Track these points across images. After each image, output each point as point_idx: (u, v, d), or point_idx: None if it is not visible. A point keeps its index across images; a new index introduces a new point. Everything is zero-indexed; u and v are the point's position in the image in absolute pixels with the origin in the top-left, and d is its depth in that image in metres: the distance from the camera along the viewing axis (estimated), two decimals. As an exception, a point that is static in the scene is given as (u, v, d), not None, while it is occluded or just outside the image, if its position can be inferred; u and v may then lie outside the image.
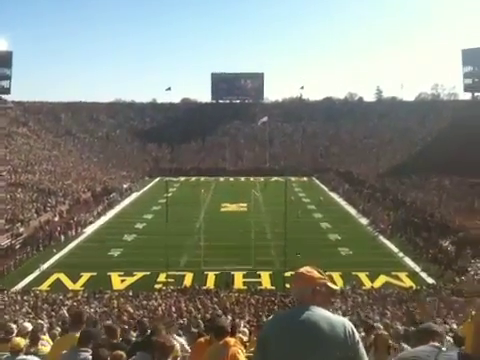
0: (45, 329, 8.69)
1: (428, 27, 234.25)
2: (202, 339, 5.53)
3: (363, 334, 7.27)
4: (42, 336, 7.47)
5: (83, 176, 65.59)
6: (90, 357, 5.15)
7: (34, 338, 6.46)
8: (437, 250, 34.51)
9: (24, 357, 5.15)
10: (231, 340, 5.07)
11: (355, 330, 2.37)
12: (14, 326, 6.47)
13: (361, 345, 2.37)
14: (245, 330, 7.60)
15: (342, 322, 2.40)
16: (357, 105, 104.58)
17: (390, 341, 6.57)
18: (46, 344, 6.67)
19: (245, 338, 8.72)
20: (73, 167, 69.15)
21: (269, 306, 21.36)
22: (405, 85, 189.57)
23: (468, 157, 56.15)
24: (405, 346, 6.34)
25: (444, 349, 2.29)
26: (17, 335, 6.35)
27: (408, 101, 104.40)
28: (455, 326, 10.17)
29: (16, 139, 72.06)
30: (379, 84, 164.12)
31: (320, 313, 2.44)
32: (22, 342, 5.38)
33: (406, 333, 7.47)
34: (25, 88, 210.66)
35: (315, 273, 2.78)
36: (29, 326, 6.97)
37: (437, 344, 2.59)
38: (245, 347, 7.55)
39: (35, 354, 5.64)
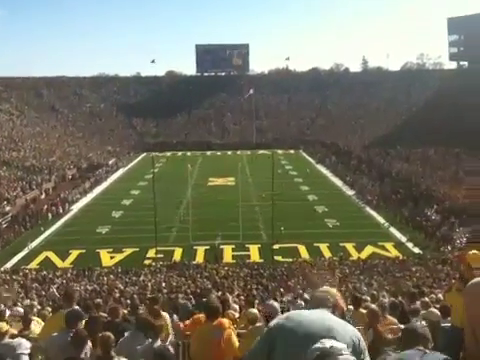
0: (35, 310, 8.69)
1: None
2: (201, 316, 5.54)
3: (351, 307, 7.36)
4: (33, 317, 7.48)
5: (68, 152, 64.97)
6: None
7: (26, 321, 6.46)
8: (422, 219, 34.95)
9: (10, 341, 5.13)
10: (225, 322, 5.10)
11: (362, 339, 2.41)
12: (5, 308, 6.44)
13: (366, 353, 2.42)
14: (235, 306, 7.66)
15: (353, 331, 2.44)
16: (343, 75, 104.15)
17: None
18: (37, 325, 6.68)
19: (236, 314, 8.80)
20: (58, 144, 68.35)
21: (258, 279, 21.55)
22: (391, 55, 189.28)
23: (453, 127, 56.48)
24: (390, 318, 6.43)
25: (428, 352, 2.36)
26: (9, 319, 6.34)
27: (394, 71, 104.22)
28: (441, 296, 10.34)
29: (-2, 116, 70.91)
30: (365, 54, 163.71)
31: (336, 319, 2.46)
32: (4, 326, 5.35)
33: (392, 305, 7.59)
34: (6, 64, 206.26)
35: (340, 299, 2.81)
36: (21, 310, 6.96)
37: (421, 348, 2.67)
38: (235, 323, 7.62)
39: (27, 337, 5.61)
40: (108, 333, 4.83)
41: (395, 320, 6.15)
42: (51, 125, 78.75)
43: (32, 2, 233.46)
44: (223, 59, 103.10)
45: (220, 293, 14.77)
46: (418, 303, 7.40)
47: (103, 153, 70.18)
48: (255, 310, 6.04)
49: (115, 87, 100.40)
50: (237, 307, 7.49)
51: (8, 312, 6.51)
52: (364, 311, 6.78)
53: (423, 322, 5.52)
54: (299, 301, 8.70)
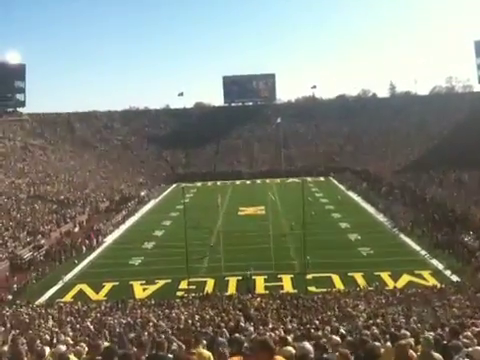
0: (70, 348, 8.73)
1: (440, 19, 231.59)
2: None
3: (389, 345, 7.15)
4: (69, 356, 7.51)
5: (101, 185, 66.13)
6: None
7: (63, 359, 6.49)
8: (459, 246, 33.99)
9: None
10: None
11: None
12: (47, 349, 6.49)
13: None
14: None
15: None
16: (371, 101, 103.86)
17: (411, 351, 6.42)
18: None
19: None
20: (90, 176, 69.76)
21: (292, 311, 21.20)
22: (419, 79, 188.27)
23: (486, 150, 55.35)
24: (436, 355, 6.20)
25: None
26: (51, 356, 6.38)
27: (423, 95, 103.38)
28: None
29: (33, 151, 72.98)
30: (392, 79, 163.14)
31: None
32: None
33: (436, 341, 7.33)
34: (39, 100, 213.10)
35: None
36: (63, 348, 7.01)
37: None
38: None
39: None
40: None
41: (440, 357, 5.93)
42: (84, 159, 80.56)
43: (62, 39, 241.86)
44: (250, 89, 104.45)
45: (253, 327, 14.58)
46: (461, 337, 7.15)
47: (134, 185, 71.24)
48: (291, 348, 5.91)
49: (145, 120, 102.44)
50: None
51: (47, 350, 6.55)
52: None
53: (467, 360, 5.32)
54: (334, 337, 8.49)
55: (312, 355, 4.82)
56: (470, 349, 5.57)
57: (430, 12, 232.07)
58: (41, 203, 50.22)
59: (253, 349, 4.57)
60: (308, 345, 5.02)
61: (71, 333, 16.49)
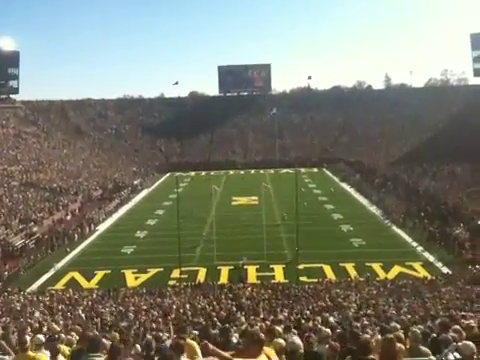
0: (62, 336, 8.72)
1: (436, 12, 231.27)
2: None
3: (379, 337, 7.16)
4: (60, 345, 7.49)
5: (94, 174, 65.88)
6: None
7: (53, 349, 6.46)
8: (451, 238, 34.18)
9: None
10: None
11: None
12: (28, 338, 6.45)
13: None
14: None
15: None
16: (366, 93, 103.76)
17: (399, 345, 6.40)
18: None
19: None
20: (84, 165, 69.46)
21: (283, 301, 21.27)
22: (414, 71, 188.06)
23: (480, 143, 55.53)
24: (423, 349, 6.22)
25: None
26: (31, 346, 6.34)
27: (417, 88, 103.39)
28: (472, 321, 10.00)
29: (26, 139, 72.46)
30: (388, 71, 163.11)
31: None
32: (45, 358, 5.39)
33: (423, 333, 7.35)
34: (33, 87, 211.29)
35: None
36: (42, 337, 6.97)
37: None
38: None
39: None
40: None
41: (428, 351, 5.95)
42: (77, 147, 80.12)
43: (57, 26, 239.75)
44: (245, 79, 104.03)
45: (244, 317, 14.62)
46: (450, 330, 7.17)
47: (128, 174, 71.05)
48: (282, 341, 5.90)
49: (139, 108, 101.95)
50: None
51: (28, 338, 6.51)
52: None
53: (456, 354, 5.33)
54: (324, 329, 8.50)
55: (301, 350, 4.81)
56: (459, 343, 5.58)
57: (426, 5, 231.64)
58: (34, 191, 49.98)
59: (243, 342, 4.55)
60: (298, 340, 5.01)
61: (62, 321, 16.47)
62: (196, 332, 10.20)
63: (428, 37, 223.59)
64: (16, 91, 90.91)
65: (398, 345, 5.90)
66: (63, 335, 9.96)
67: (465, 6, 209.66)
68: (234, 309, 18.42)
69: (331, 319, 12.48)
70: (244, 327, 10.49)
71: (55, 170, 61.33)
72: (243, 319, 13.29)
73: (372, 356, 5.39)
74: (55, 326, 13.01)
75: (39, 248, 37.16)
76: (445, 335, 6.57)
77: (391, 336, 5.64)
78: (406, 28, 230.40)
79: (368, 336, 8.16)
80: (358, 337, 7.31)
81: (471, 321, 9.86)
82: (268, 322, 12.52)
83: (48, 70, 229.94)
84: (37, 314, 18.11)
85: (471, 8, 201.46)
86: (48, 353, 6.48)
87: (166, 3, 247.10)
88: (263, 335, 4.84)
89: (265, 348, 5.20)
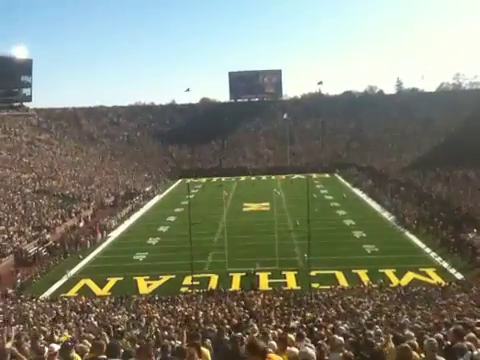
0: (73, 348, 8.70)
1: (447, 16, 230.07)
2: None
3: (392, 346, 7.09)
4: (73, 354, 7.49)
5: (106, 180, 66.25)
6: None
7: (67, 358, 6.47)
8: (465, 244, 33.80)
9: None
10: None
11: None
12: (45, 347, 6.46)
13: None
14: (273, 343, 7.46)
15: None
16: (377, 98, 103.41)
17: (415, 353, 6.33)
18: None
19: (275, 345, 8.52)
20: (96, 172, 69.91)
21: (295, 308, 21.15)
22: (426, 75, 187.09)
23: (494, 147, 55.02)
24: (440, 359, 6.13)
25: None
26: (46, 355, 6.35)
27: (429, 92, 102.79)
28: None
29: (39, 146, 73.17)
30: (399, 76, 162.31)
31: None
32: None
33: (440, 341, 7.25)
34: (46, 95, 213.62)
35: None
36: (56, 347, 6.98)
37: None
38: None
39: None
40: None
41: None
42: (89, 154, 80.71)
43: (69, 34, 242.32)
44: (256, 85, 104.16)
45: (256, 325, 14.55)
46: (465, 338, 7.07)
47: (140, 180, 71.36)
48: (296, 350, 5.86)
49: (151, 115, 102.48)
50: (274, 344, 7.30)
51: (46, 349, 6.52)
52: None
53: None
54: (337, 337, 8.42)
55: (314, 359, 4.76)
56: (475, 352, 5.49)
57: (438, 9, 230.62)
58: (46, 198, 50.36)
59: (246, 353, 4.48)
60: (310, 351, 4.95)
61: (74, 328, 16.50)
62: (208, 340, 10.16)
63: (440, 41, 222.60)
64: (29, 99, 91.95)
65: (414, 354, 5.82)
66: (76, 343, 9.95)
67: (477, 9, 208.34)
68: (246, 316, 18.35)
69: (344, 327, 12.37)
70: (255, 335, 10.44)
71: (68, 177, 61.79)
72: (255, 327, 13.20)
73: None
74: (64, 333, 13.04)
75: (52, 255, 37.38)
76: (460, 343, 6.48)
77: (406, 345, 5.57)
78: (418, 32, 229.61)
79: (381, 344, 8.09)
80: (372, 345, 7.25)
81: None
82: (280, 330, 12.46)
83: (61, 78, 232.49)
84: (50, 319, 18.16)
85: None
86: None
87: (177, 10, 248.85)
88: (263, 344, 4.75)
89: (273, 356, 5.14)
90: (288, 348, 6.55)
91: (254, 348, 4.60)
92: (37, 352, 6.27)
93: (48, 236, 40.43)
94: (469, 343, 6.78)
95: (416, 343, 7.21)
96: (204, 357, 6.66)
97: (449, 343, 7.45)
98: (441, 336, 8.38)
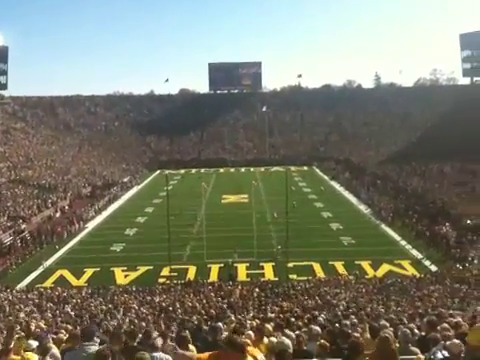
0: (49, 338, 8.65)
1: (425, 12, 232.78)
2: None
3: (368, 336, 7.22)
4: (49, 344, 7.43)
5: (83, 171, 65.50)
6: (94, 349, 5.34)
7: (44, 349, 6.41)
8: (439, 237, 34.46)
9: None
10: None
11: None
12: (12, 341, 6.38)
13: None
14: (250, 333, 7.53)
15: None
16: (356, 92, 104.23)
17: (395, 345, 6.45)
18: (56, 354, 6.61)
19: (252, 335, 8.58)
20: (72, 162, 69.04)
21: (273, 299, 21.33)
22: (404, 71, 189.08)
23: (469, 143, 56.02)
24: (413, 349, 6.27)
25: None
26: (22, 350, 6.28)
27: (407, 87, 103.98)
28: (460, 319, 10.11)
29: (14, 135, 71.90)
30: (377, 70, 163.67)
31: None
32: (34, 358, 5.35)
33: (413, 333, 7.42)
34: (22, 83, 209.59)
35: None
36: (34, 343, 6.90)
37: None
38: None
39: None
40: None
41: (417, 350, 6.00)
42: (66, 143, 79.60)
43: (46, 22, 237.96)
44: (236, 77, 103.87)
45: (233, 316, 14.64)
46: (439, 329, 7.24)
47: (117, 171, 70.72)
48: (274, 339, 5.92)
49: (129, 105, 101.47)
50: (251, 334, 7.37)
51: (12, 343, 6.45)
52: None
53: (444, 352, 5.37)
54: (314, 327, 8.53)
55: (291, 350, 4.81)
56: (448, 342, 5.63)
57: (416, 5, 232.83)
58: (22, 187, 49.59)
59: (224, 349, 4.49)
60: (287, 340, 5.01)
61: (51, 319, 16.37)
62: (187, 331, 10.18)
63: (418, 37, 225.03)
64: (4, 87, 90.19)
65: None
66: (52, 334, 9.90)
67: (455, 6, 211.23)
68: (224, 307, 18.44)
69: (321, 317, 12.54)
70: (233, 326, 10.50)
71: (44, 167, 60.89)
72: (233, 317, 13.29)
73: (364, 355, 5.44)
74: (39, 323, 12.93)
75: (28, 246, 36.88)
76: (433, 333, 6.62)
77: (386, 335, 5.65)
78: (396, 28, 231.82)
79: (357, 334, 8.23)
80: (349, 336, 7.37)
81: (459, 319, 9.98)
82: (258, 320, 12.57)
83: (37, 66, 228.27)
84: (26, 310, 17.99)
85: (460, 8, 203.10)
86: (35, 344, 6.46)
87: (157, 0, 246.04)
88: (242, 340, 4.72)
89: (250, 349, 5.18)
90: (265, 338, 6.62)
91: (233, 344, 4.58)
92: (7, 345, 6.19)
93: (24, 226, 39.86)
94: (443, 333, 6.94)
95: (391, 333, 7.35)
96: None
97: (423, 334, 7.63)
98: (415, 327, 8.58)
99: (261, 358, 4.83)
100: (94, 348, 5.56)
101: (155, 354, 5.25)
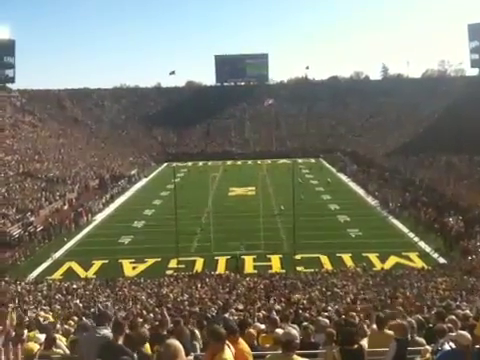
0: (58, 327, 8.75)
1: (433, 2, 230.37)
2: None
3: (374, 326, 7.24)
4: (56, 335, 7.51)
5: (91, 163, 65.72)
6: (108, 332, 5.35)
7: (49, 339, 6.47)
8: (447, 229, 34.30)
9: None
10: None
11: None
12: (25, 331, 6.45)
13: None
14: (258, 324, 7.56)
15: None
16: (363, 83, 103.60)
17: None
18: (62, 345, 6.68)
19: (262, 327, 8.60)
20: (80, 154, 69.25)
21: (279, 291, 21.38)
22: (411, 62, 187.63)
23: (476, 134, 55.51)
24: (419, 339, 6.29)
25: None
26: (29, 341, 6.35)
27: (414, 78, 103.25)
28: (468, 312, 10.11)
29: (22, 128, 72.16)
30: (385, 61, 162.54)
31: None
32: (35, 347, 5.39)
33: (418, 323, 7.43)
34: (29, 76, 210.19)
35: None
36: (42, 337, 6.97)
37: None
38: (258, 340, 7.50)
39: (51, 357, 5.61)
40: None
41: (423, 341, 6.02)
42: (74, 136, 79.84)
43: (53, 16, 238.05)
44: (242, 69, 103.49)
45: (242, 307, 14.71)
46: (446, 321, 7.24)
47: (125, 164, 70.92)
48: (280, 331, 5.95)
49: (136, 98, 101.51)
50: (259, 325, 7.41)
51: (25, 332, 6.51)
52: (389, 332, 6.63)
53: (451, 344, 5.38)
54: (322, 319, 8.57)
55: (297, 340, 4.81)
56: (454, 334, 5.63)
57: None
58: (30, 180, 49.86)
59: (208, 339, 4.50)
60: (294, 331, 5.01)
61: (60, 311, 16.53)
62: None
63: (425, 28, 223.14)
64: (12, 80, 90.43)
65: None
66: (59, 325, 9.99)
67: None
68: (231, 299, 18.52)
69: (329, 308, 12.57)
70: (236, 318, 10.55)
71: (52, 160, 61.14)
72: (241, 306, 13.36)
73: (360, 343, 5.49)
74: (46, 315, 13.06)
75: (36, 238, 37.13)
76: (440, 325, 6.63)
77: (401, 321, 5.69)
78: (403, 18, 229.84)
79: (362, 324, 8.26)
80: (354, 325, 7.40)
81: (467, 311, 9.98)
82: (264, 312, 12.62)
83: (44, 59, 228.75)
84: (36, 299, 18.15)
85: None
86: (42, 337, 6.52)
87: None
88: (224, 331, 4.63)
89: (240, 341, 5.17)
90: (275, 330, 6.65)
91: (216, 335, 4.50)
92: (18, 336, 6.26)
93: (32, 219, 40.12)
94: (450, 325, 6.95)
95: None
96: None
97: (430, 325, 7.64)
98: (422, 318, 8.59)
99: (232, 349, 4.74)
100: (105, 331, 5.65)
101: None
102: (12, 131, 68.50)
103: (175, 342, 3.92)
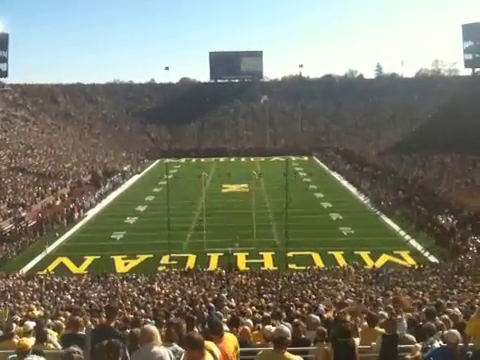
0: (49, 322, 8.72)
1: (428, 2, 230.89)
2: None
3: (365, 324, 7.27)
4: (47, 329, 7.49)
5: (83, 159, 65.46)
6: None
7: (40, 334, 6.45)
8: (439, 227, 34.51)
9: (31, 358, 5.13)
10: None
11: None
12: (14, 325, 6.44)
13: None
14: (248, 321, 7.57)
15: None
16: (357, 82, 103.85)
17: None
18: (53, 340, 6.66)
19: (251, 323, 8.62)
20: (73, 150, 68.93)
21: (271, 288, 21.41)
22: (405, 61, 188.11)
23: (469, 134, 55.81)
24: (409, 336, 6.33)
25: None
26: (19, 334, 6.33)
27: (408, 77, 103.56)
28: (457, 310, 10.18)
29: (14, 122, 71.73)
30: (379, 60, 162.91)
31: None
32: (30, 343, 5.36)
33: (409, 321, 7.48)
34: (22, 71, 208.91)
35: None
36: (31, 325, 6.95)
37: None
38: (248, 337, 7.50)
39: (40, 353, 5.56)
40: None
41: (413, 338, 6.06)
42: (66, 131, 79.47)
43: (48, 10, 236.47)
44: (236, 66, 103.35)
45: (234, 304, 14.72)
46: (437, 319, 7.29)
47: (118, 159, 70.68)
48: (271, 327, 5.96)
49: (130, 94, 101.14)
50: (250, 321, 7.41)
51: (15, 327, 6.49)
52: (380, 329, 6.67)
53: (441, 342, 5.43)
54: (313, 316, 8.58)
55: (289, 338, 4.82)
56: (445, 332, 5.67)
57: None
58: (22, 175, 49.60)
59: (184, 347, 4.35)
60: (286, 328, 5.01)
61: (52, 306, 16.47)
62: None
63: (420, 27, 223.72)
64: (5, 74, 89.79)
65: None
66: (50, 320, 9.96)
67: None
68: (223, 295, 18.50)
69: (320, 306, 12.60)
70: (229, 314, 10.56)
71: (44, 155, 60.81)
72: (233, 303, 13.36)
73: (352, 339, 5.52)
74: (38, 311, 13.02)
75: (28, 233, 36.95)
76: (430, 323, 6.67)
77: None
78: (398, 18, 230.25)
79: (353, 322, 8.29)
80: (346, 322, 7.43)
81: (457, 310, 10.04)
82: (256, 308, 12.64)
83: (38, 54, 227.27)
84: (28, 295, 18.08)
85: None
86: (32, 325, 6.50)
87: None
88: (201, 337, 4.24)
89: (209, 344, 4.78)
90: (265, 327, 6.65)
91: (191, 342, 4.13)
92: (6, 330, 6.24)
93: (24, 214, 39.94)
94: (440, 323, 6.99)
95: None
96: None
97: (421, 323, 7.68)
98: (413, 316, 8.64)
99: (217, 353, 4.64)
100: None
101: None
102: (4, 125, 68.07)
103: (152, 327, 4.02)
